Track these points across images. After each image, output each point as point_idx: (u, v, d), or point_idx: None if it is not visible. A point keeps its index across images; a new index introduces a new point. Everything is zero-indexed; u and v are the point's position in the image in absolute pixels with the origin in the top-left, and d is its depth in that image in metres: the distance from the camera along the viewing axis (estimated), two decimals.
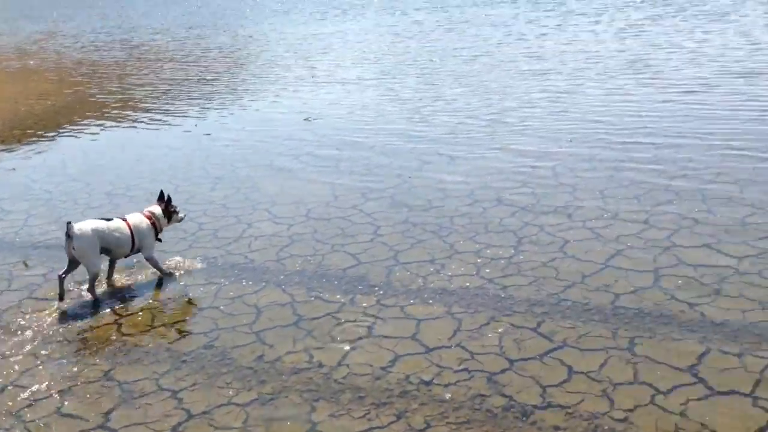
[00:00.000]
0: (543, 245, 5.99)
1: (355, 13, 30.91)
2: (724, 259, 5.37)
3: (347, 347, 4.64)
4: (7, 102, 15.56)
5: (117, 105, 14.23)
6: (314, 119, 11.47)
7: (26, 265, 6.33)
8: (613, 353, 4.30)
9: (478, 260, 5.80)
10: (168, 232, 6.30)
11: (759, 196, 6.53)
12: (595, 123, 9.77)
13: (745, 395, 3.79)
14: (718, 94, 10.75)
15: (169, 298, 5.63)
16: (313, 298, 5.35)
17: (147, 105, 14.06)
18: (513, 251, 5.92)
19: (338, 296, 5.34)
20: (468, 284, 5.39)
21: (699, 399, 3.80)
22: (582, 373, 4.14)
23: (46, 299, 5.67)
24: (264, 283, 5.66)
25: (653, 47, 15.78)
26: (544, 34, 19.66)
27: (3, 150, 10.90)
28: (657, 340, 4.38)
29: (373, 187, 7.87)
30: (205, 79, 16.74)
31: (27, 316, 5.41)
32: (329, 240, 6.46)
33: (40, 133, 12.18)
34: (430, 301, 5.16)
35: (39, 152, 10.74)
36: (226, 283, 5.73)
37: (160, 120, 12.47)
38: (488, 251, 5.96)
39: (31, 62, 22.52)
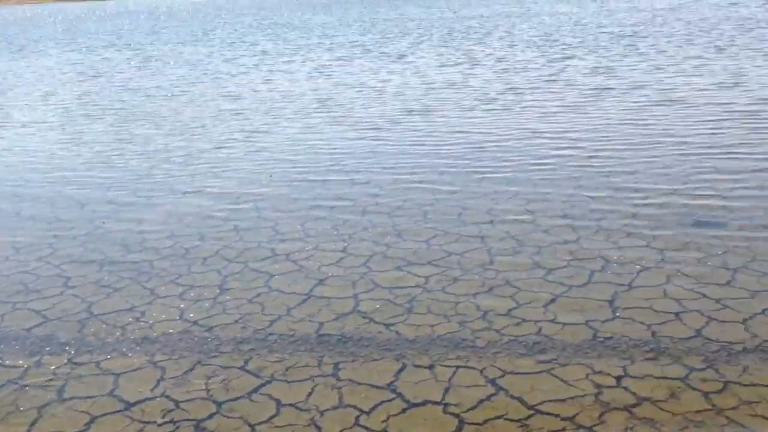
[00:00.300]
0: (248, 282, 5.98)
1: (33, 49, 28.54)
2: (414, 280, 5.82)
3: (35, 415, 4.15)
4: None
5: None
6: None
7: None
8: (319, 381, 4.40)
9: (182, 304, 5.60)
10: None
11: (440, 223, 7.16)
12: (292, 161, 10.07)
13: (437, 403, 4.10)
14: (400, 130, 11.72)
15: None
16: None
17: None
18: (218, 290, 5.82)
19: (21, 360, 4.78)
20: (171, 330, 5.17)
21: (398, 413, 4.03)
22: (290, 405, 4.16)
23: None
24: None
25: (343, 86, 16.83)
26: (241, 73, 19.94)
27: None
28: (359, 363, 4.58)
29: (63, 235, 7.24)
30: None
31: None
32: (9, 298, 5.78)
33: None
34: (130, 353, 4.84)
35: None
36: None
37: None
38: (192, 293, 5.79)
39: None
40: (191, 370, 4.62)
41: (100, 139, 11.92)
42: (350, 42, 30.96)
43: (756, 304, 5.06)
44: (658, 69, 17.00)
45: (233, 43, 31.21)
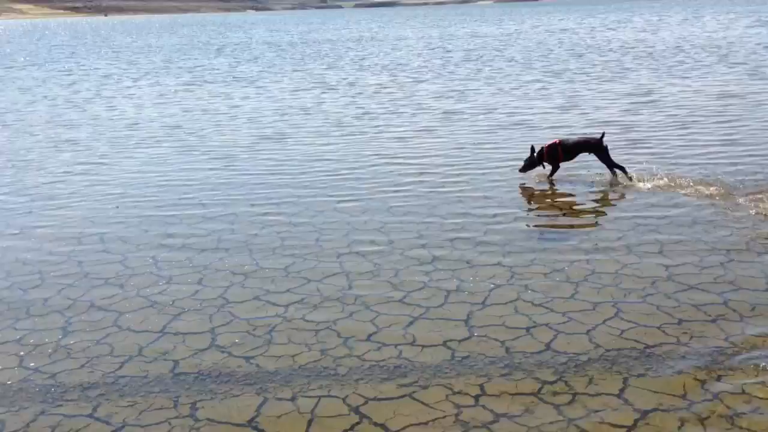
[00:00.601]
0: (95, 321, 5.63)
1: None
2: (273, 309, 5.72)
3: None
4: None
5: None
6: None
7: None
8: (176, 422, 4.20)
9: (21, 350, 5.19)
10: None
11: (298, 251, 7.10)
12: (140, 194, 9.68)
13: None
14: (254, 158, 11.54)
15: None
16: None
17: None
18: (61, 333, 5.44)
19: None
20: (9, 380, 4.77)
21: None
22: None
23: None
24: None
25: (193, 113, 16.43)
26: (82, 100, 18.99)
27: None
28: (218, 400, 4.42)
29: None
30: None
31: None
32: None
33: None
34: None
35: None
36: None
37: None
38: (32, 338, 5.38)
39: None
40: (33, 421, 4.28)
41: None
42: (199, 66, 30.37)
43: (597, 315, 5.39)
44: (504, 93, 17.93)
45: (70, 67, 29.70)
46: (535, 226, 7.68)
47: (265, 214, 8.35)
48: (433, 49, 35.73)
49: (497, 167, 10.11)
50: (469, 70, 23.65)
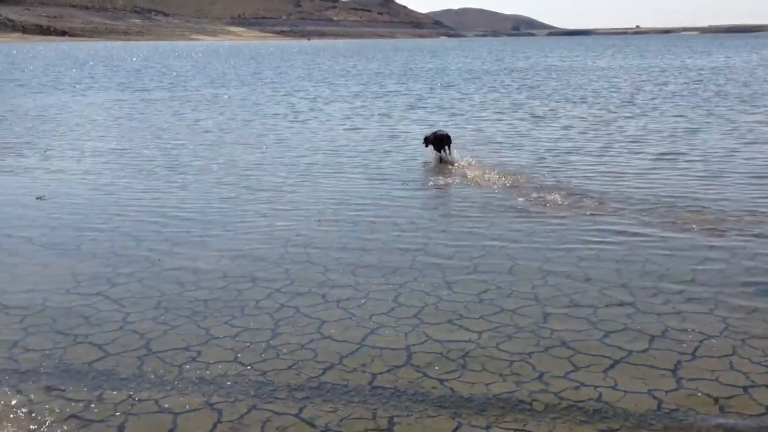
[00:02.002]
0: (300, 327, 6.03)
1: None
2: (467, 334, 5.81)
3: None
4: None
5: None
6: (49, 197, 10.60)
7: None
8: None
9: (236, 346, 5.67)
10: None
11: (493, 275, 7.17)
12: (341, 210, 10.19)
13: None
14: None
15: None
16: (54, 398, 4.82)
17: None
18: (270, 334, 5.88)
19: (84, 393, 4.87)
20: (226, 371, 5.23)
21: None
22: None
23: None
24: None
25: (385, 137, 17.00)
26: (295, 120, 20.29)
27: None
28: (414, 418, 4.57)
29: (121, 271, 7.40)
30: None
31: None
32: (71, 330, 5.91)
33: None
34: (187, 392, 4.91)
35: None
36: None
37: None
38: (245, 335, 5.86)
39: None
40: (246, 414, 4.66)
41: (157, 173, 12.21)
42: (392, 91, 31.41)
43: None
44: (737, 135, 16.93)
45: (283, 88, 31.82)
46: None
47: (457, 238, 8.50)
48: (641, 80, 34.52)
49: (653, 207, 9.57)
50: (686, 106, 22.63)
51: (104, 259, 7.78)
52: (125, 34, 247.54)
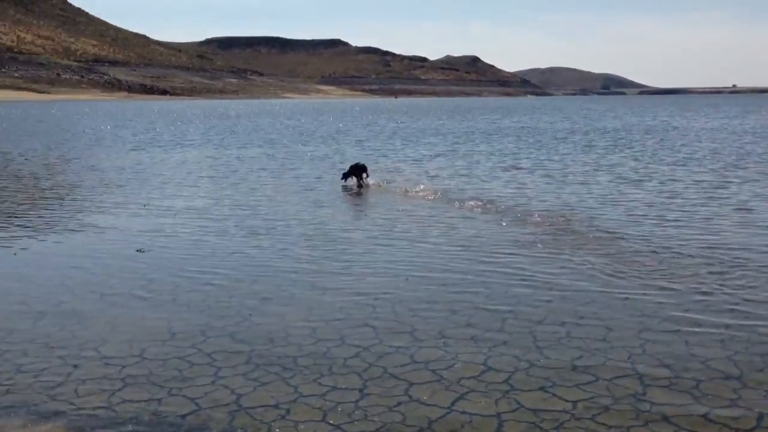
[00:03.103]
0: (388, 388, 5.98)
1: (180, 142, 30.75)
2: (560, 403, 5.62)
3: None
4: None
5: None
6: (147, 250, 11.03)
7: None
8: None
9: (324, 404, 5.66)
10: None
11: (587, 341, 6.95)
12: (431, 270, 10.15)
13: None
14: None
15: None
16: None
17: None
18: (359, 394, 5.85)
19: None
20: (315, 431, 5.22)
21: None
22: None
23: None
24: None
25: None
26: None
27: None
28: None
29: (214, 324, 7.58)
30: (35, 202, 15.75)
31: None
32: (166, 383, 6.06)
33: None
34: None
35: None
36: None
37: None
38: (334, 395, 5.85)
39: None
40: None
41: (248, 230, 12.55)
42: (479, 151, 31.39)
43: None
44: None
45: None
46: None
47: (549, 301, 8.31)
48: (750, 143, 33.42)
49: None
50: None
51: (198, 313, 7.99)
52: (221, 92, 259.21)
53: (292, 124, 58.91)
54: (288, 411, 5.55)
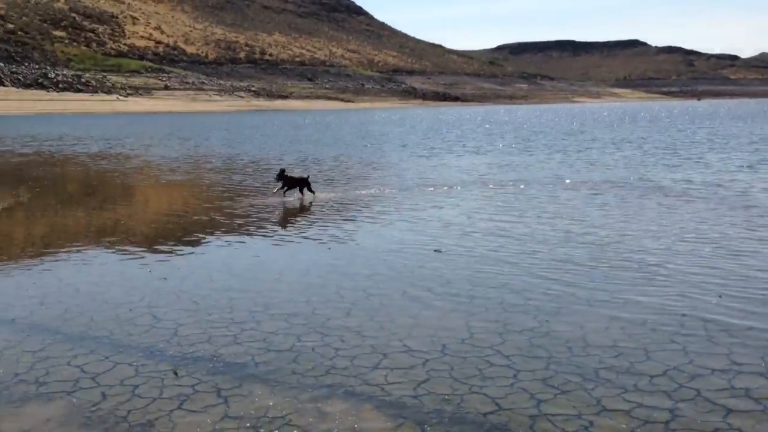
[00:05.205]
0: (702, 413, 5.50)
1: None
2: None
3: None
4: (157, 213, 16.57)
5: (253, 222, 14.81)
6: (445, 250, 11.45)
7: (176, 374, 6.42)
8: None
9: (630, 422, 5.38)
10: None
11: None
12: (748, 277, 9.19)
13: None
14: None
15: None
16: None
17: (281, 223, 14.56)
18: (669, 415, 5.46)
19: None
20: None
21: None
22: None
23: (194, 410, 5.70)
24: (402, 420, 5.45)
25: None
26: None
27: (158, 261, 11.32)
28: None
29: (510, 327, 7.62)
30: (344, 202, 17.30)
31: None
32: (467, 380, 6.22)
33: (186, 243, 12.78)
34: None
35: (187, 263, 11.11)
36: (369, 416, 5.58)
37: (299, 237, 12.81)
38: (640, 412, 5.54)
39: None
40: None
41: (542, 236, 12.43)
42: None
43: None
44: None
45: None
46: None
47: (750, 328, 7.08)
48: None
49: None
50: None
51: (495, 314, 8.08)
52: (510, 98, 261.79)
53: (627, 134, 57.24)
54: (591, 423, 5.37)
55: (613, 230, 12.90)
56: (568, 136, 45.39)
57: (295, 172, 19.58)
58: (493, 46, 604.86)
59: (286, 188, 17.55)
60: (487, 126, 65.85)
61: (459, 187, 19.50)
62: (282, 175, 17.54)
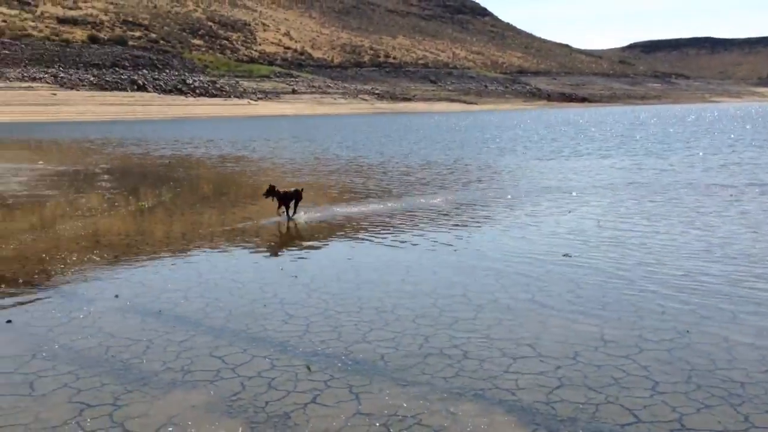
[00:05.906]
0: None
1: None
2: None
3: None
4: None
5: (377, 224, 14.99)
6: (574, 255, 11.14)
7: (309, 369, 6.63)
8: None
9: None
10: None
11: None
12: None
13: None
14: None
15: None
16: None
17: (403, 226, 14.67)
18: None
19: None
20: None
21: None
22: None
23: (327, 405, 5.85)
24: (535, 426, 5.35)
25: None
26: None
27: (289, 260, 11.69)
28: None
29: (647, 337, 7.31)
30: (468, 205, 17.22)
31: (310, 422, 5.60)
32: (602, 389, 6.02)
33: (313, 243, 13.14)
34: None
35: (316, 262, 11.42)
36: (500, 420, 5.52)
37: (423, 240, 12.87)
38: None
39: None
40: None
41: (673, 245, 11.87)
42: None
43: None
44: None
45: None
46: None
47: None
48: None
49: None
50: None
51: (630, 323, 7.78)
52: (642, 98, 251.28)
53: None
54: None
55: (758, 240, 12.10)
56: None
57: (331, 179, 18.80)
58: (623, 44, 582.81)
59: (279, 205, 15.04)
60: (657, 129, 63.49)
61: (591, 191, 18.94)
62: (271, 191, 15.01)
